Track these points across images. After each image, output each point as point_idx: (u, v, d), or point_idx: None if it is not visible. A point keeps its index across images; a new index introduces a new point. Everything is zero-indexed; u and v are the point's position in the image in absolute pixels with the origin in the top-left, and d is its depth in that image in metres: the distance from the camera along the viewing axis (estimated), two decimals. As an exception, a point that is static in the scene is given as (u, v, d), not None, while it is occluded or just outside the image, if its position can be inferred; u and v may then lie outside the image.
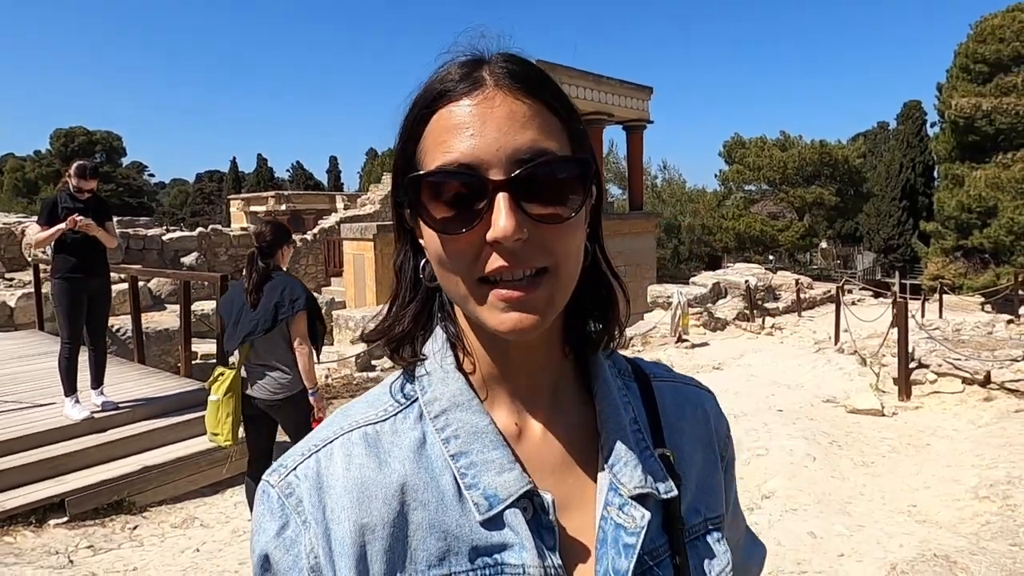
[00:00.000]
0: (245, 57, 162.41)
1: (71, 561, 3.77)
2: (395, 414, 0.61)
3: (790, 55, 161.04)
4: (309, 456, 0.59)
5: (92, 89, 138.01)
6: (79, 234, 4.63)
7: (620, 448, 0.60)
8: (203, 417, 5.27)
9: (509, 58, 0.57)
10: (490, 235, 0.52)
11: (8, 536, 3.98)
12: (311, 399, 3.58)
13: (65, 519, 4.23)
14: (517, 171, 0.52)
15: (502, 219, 0.51)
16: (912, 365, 6.88)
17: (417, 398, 0.61)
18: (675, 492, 0.60)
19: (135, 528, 4.30)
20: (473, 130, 0.53)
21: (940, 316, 13.59)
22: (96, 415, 4.94)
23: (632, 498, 0.58)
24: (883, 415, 6.20)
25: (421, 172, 0.54)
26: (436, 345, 0.63)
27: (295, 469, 0.59)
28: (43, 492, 4.27)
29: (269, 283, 3.52)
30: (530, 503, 0.56)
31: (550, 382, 0.63)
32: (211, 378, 3.72)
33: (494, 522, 0.55)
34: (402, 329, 0.63)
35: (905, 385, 6.72)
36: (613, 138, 32.67)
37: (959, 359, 6.77)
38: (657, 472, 0.61)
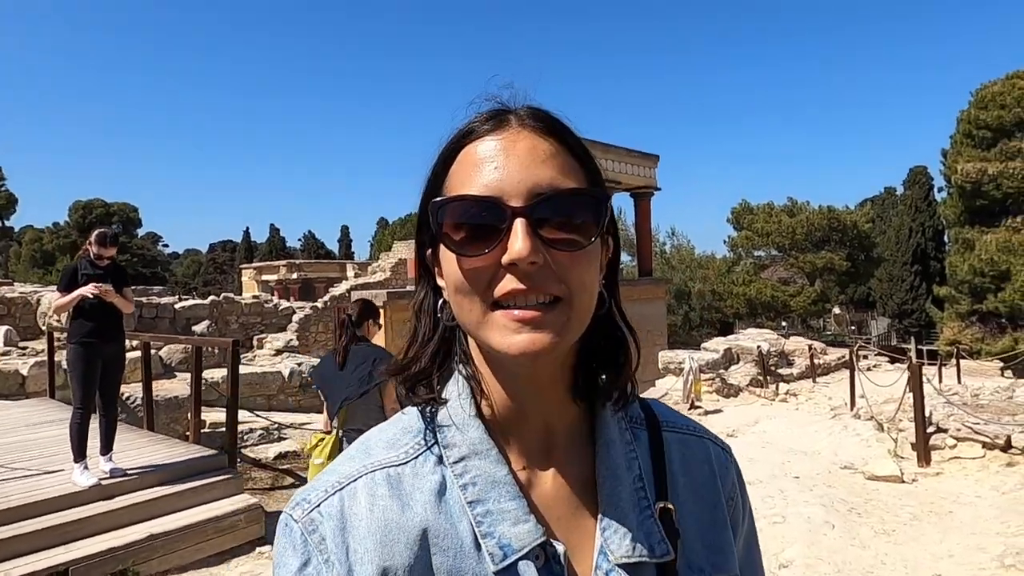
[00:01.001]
0: (258, 129, 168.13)
1: (71, 633, 3.69)
2: (415, 457, 0.61)
3: (795, 122, 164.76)
4: (333, 493, 0.60)
5: (109, 162, 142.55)
6: (96, 300, 4.72)
7: (613, 513, 0.61)
8: (210, 485, 5.28)
9: (532, 107, 0.61)
10: (506, 257, 0.54)
11: (9, 607, 3.90)
12: None
13: (68, 589, 4.15)
14: (536, 201, 0.55)
15: (518, 242, 0.53)
16: (930, 430, 6.75)
17: (436, 442, 0.62)
18: (670, 555, 0.60)
19: (138, 599, 4.21)
20: (497, 163, 0.56)
21: (959, 381, 13.37)
22: (104, 482, 4.90)
23: (619, 566, 0.59)
24: (903, 481, 6.05)
25: (445, 197, 0.58)
26: (457, 388, 0.63)
27: (319, 506, 0.59)
28: (49, 560, 4.19)
29: (360, 352, 3.74)
30: (543, 551, 0.57)
31: (564, 429, 0.64)
32: (311, 444, 3.86)
33: (508, 571, 0.56)
34: (419, 368, 0.64)
35: (924, 451, 6.57)
36: (621, 206, 33.06)
37: (978, 423, 6.64)
38: (653, 535, 0.61)
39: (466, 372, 0.64)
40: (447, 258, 0.58)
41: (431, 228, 0.60)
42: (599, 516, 0.61)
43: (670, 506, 0.63)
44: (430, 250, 0.63)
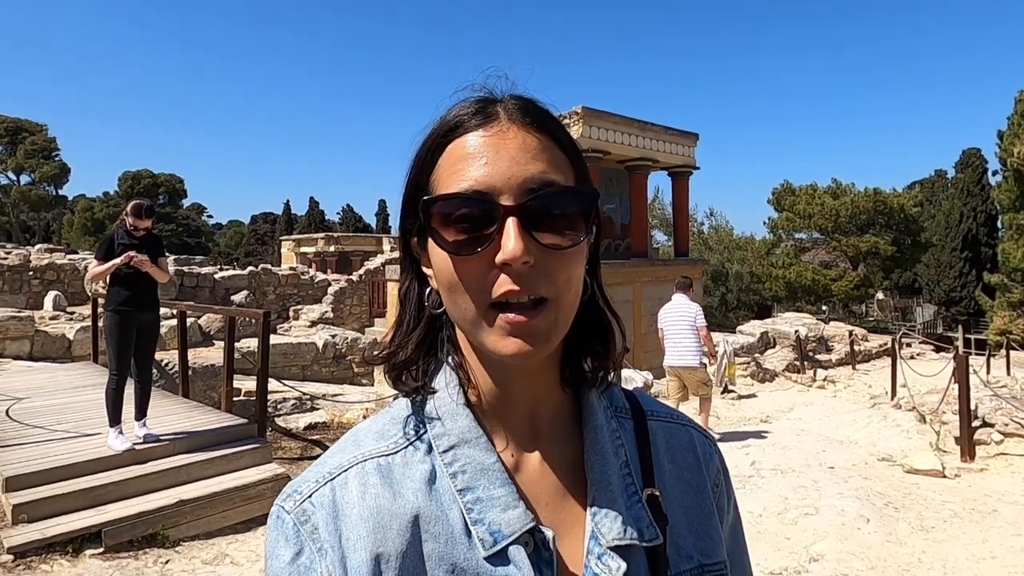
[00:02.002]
0: (301, 104, 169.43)
1: (102, 593, 3.78)
2: (405, 447, 0.62)
3: (841, 102, 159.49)
4: (324, 484, 0.60)
5: (158, 134, 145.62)
6: (132, 269, 4.80)
7: (603, 498, 0.61)
8: (240, 453, 5.35)
9: (519, 96, 0.61)
10: (499, 257, 0.54)
11: (45, 564, 4.01)
12: None
13: (101, 550, 4.25)
14: (527, 199, 0.54)
15: (511, 242, 0.53)
16: (976, 424, 6.50)
17: (426, 431, 0.62)
18: (659, 539, 0.61)
19: (167, 562, 4.29)
20: (487, 159, 0.56)
21: (1008, 373, 12.88)
22: (137, 446, 5.01)
23: (611, 548, 0.59)
24: (944, 477, 5.83)
25: (435, 195, 0.57)
26: (446, 378, 0.63)
27: (310, 496, 0.60)
28: (82, 522, 4.31)
29: None
30: (531, 538, 0.58)
31: (549, 414, 0.64)
32: None
33: (499, 557, 0.57)
34: (405, 356, 0.64)
35: (968, 445, 6.33)
36: (659, 184, 32.52)
37: (1028, 419, 6.36)
38: (642, 519, 0.61)
39: (453, 361, 0.64)
40: (437, 254, 0.58)
41: (417, 218, 0.60)
42: (589, 500, 0.62)
43: (657, 493, 0.64)
44: (416, 239, 0.63)
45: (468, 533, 0.58)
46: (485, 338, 0.56)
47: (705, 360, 7.03)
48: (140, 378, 5.11)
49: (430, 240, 0.58)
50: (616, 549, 0.59)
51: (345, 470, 0.61)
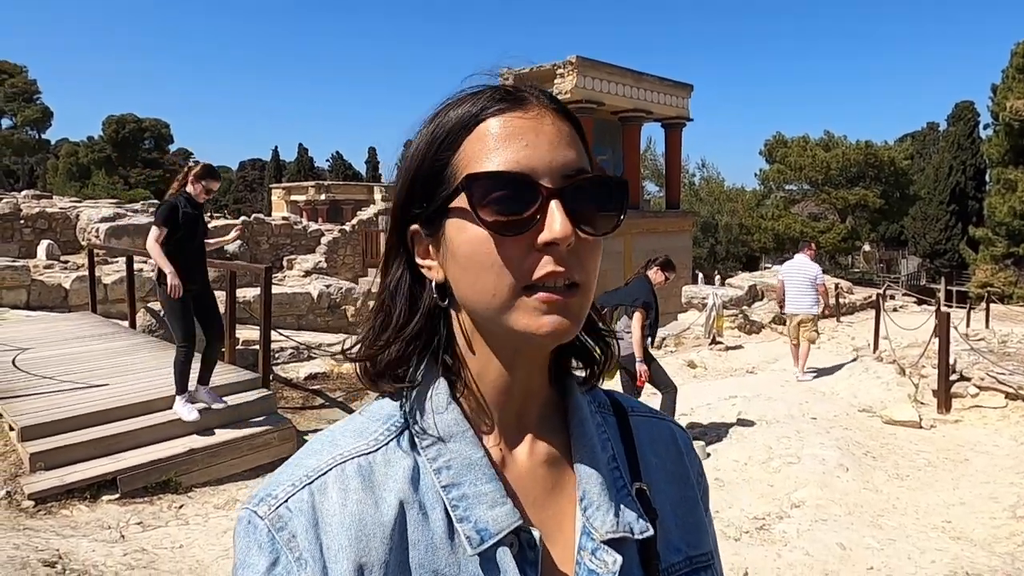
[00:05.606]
0: (289, 47, 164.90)
1: (123, 536, 3.97)
2: (386, 443, 0.59)
3: (836, 52, 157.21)
4: (301, 488, 0.56)
5: (141, 77, 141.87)
6: (189, 247, 4.84)
7: (593, 491, 0.60)
8: (246, 404, 5.51)
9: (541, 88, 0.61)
10: (545, 237, 0.53)
11: (65, 509, 4.21)
12: (638, 365, 5.25)
13: (117, 496, 4.44)
14: (565, 184, 0.54)
15: (557, 223, 0.53)
16: (953, 377, 6.76)
17: (407, 426, 0.60)
18: (651, 532, 0.60)
19: (181, 507, 4.49)
20: (527, 141, 0.55)
21: (987, 326, 13.21)
22: (146, 397, 5.15)
23: (604, 543, 0.58)
24: (921, 427, 6.12)
25: (482, 171, 0.54)
26: (430, 372, 0.61)
27: (286, 501, 0.56)
28: (98, 469, 4.48)
29: (638, 281, 5.63)
30: (516, 538, 0.56)
31: (537, 410, 0.63)
32: None
33: (484, 557, 0.55)
34: (391, 357, 0.61)
35: (945, 398, 6.61)
36: (651, 135, 32.34)
37: (1003, 373, 6.62)
38: (632, 512, 0.61)
39: (445, 354, 0.61)
40: (468, 235, 0.55)
41: (426, 202, 0.58)
42: (579, 494, 0.61)
43: (645, 487, 0.64)
44: (417, 226, 0.59)
45: (451, 535, 0.55)
46: (517, 319, 0.54)
47: (819, 310, 8.82)
48: (211, 346, 5.16)
49: (453, 221, 0.56)
50: (610, 543, 0.58)
51: (323, 473, 0.57)
